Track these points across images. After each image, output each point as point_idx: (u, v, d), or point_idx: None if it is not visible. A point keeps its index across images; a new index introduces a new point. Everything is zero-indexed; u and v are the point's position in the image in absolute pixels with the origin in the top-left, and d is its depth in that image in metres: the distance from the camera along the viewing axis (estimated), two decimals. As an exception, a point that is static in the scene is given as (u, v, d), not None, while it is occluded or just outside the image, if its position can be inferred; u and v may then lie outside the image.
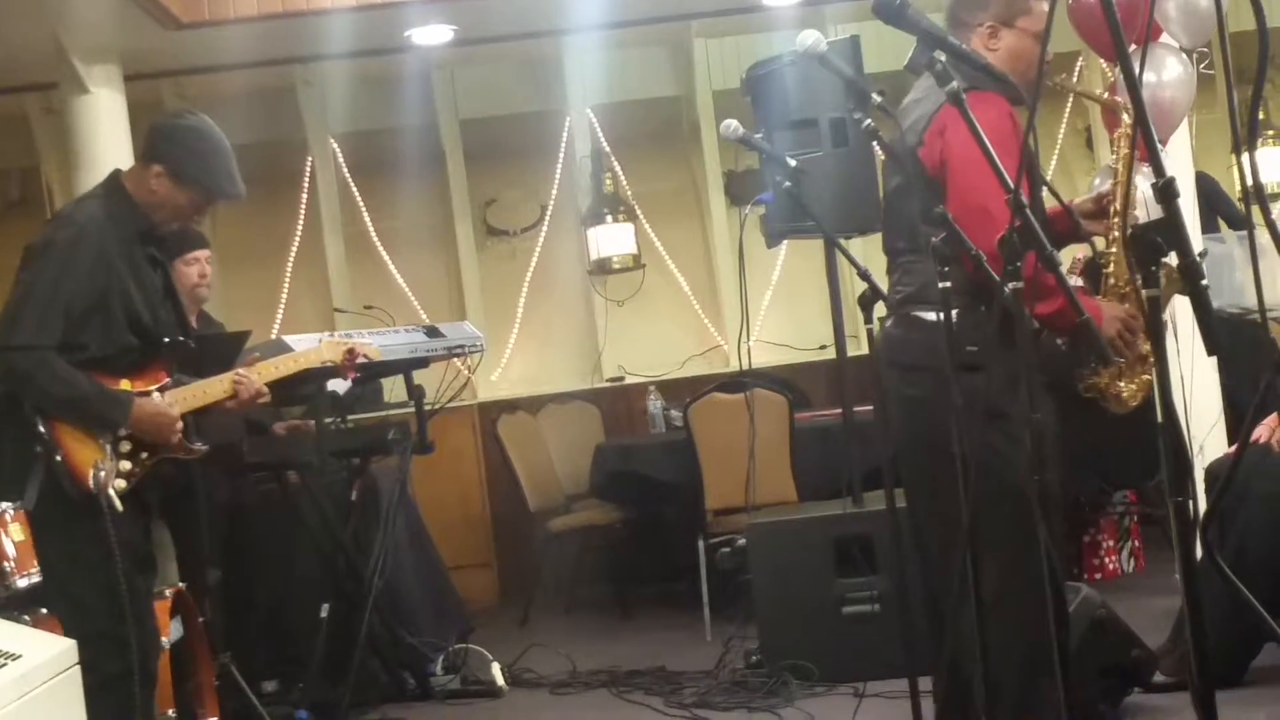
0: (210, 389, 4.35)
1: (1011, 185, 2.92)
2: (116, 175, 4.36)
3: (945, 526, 3.93)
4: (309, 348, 4.77)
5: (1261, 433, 4.91)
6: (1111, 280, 4.01)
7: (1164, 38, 6.19)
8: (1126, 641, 4.84)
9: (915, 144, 3.87)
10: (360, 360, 4.84)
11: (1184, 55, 6.25)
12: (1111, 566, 7.34)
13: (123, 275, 4.20)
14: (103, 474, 4.03)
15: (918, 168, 3.83)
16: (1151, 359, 3.92)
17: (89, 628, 4.01)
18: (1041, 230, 3.00)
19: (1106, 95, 4.15)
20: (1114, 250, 4.00)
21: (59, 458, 4.04)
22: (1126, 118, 4.16)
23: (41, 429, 4.04)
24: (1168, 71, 6.18)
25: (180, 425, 4.24)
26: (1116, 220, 3.99)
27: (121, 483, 4.10)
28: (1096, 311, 3.76)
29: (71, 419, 4.08)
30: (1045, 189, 3.94)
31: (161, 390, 4.24)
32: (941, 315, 3.63)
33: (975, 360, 3.67)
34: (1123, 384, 3.98)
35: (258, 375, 4.44)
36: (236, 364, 4.50)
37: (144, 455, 4.18)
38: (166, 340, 4.29)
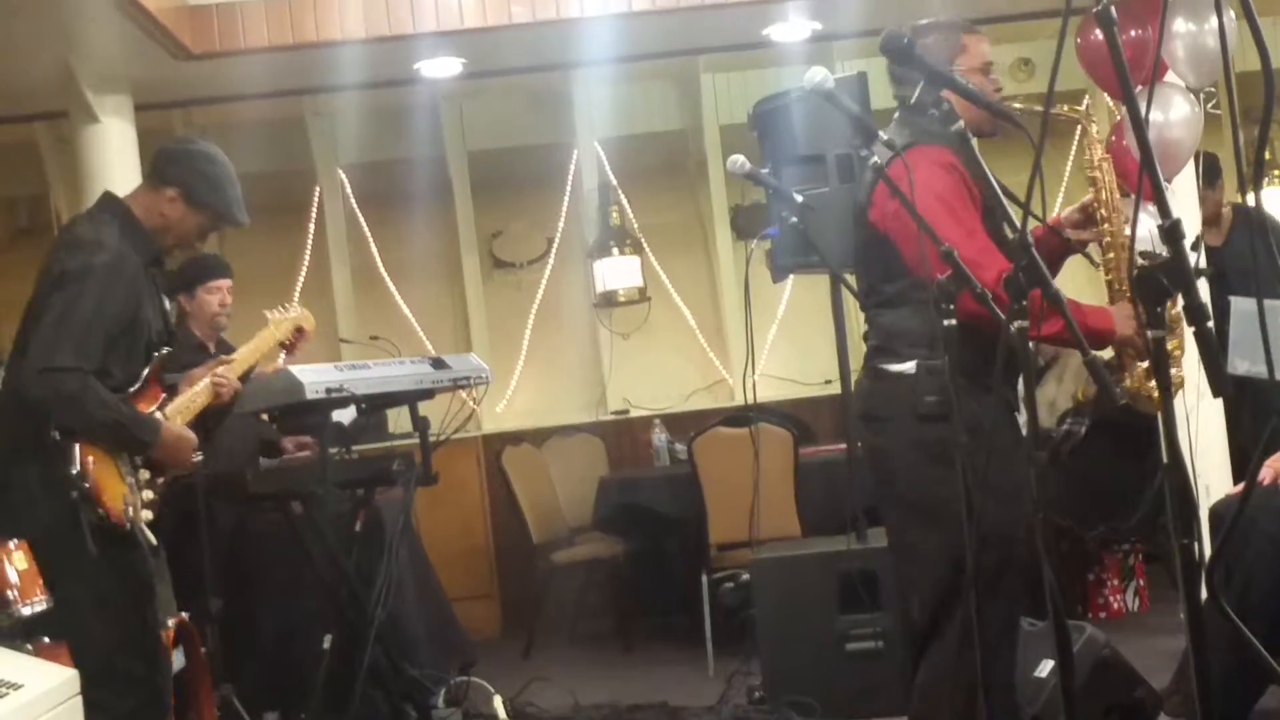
0: (197, 399, 4.36)
1: (1018, 220, 2.93)
2: (119, 200, 4.33)
3: (907, 571, 3.99)
4: (261, 333, 4.83)
5: (1266, 474, 4.90)
6: (1115, 286, 3.99)
7: (1172, 77, 6.21)
8: (1131, 681, 4.83)
9: (864, 203, 3.94)
10: (306, 337, 4.98)
11: (1191, 95, 6.27)
12: (1116, 605, 7.33)
13: (144, 302, 4.21)
14: (132, 509, 4.03)
15: (878, 225, 3.89)
16: (1176, 351, 3.93)
17: (101, 664, 3.97)
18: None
19: (1067, 108, 4.07)
20: (1110, 255, 3.99)
21: (90, 492, 3.99)
22: (1095, 129, 4.12)
23: (73, 463, 3.99)
24: (1175, 111, 6.20)
25: (196, 444, 4.28)
26: (1107, 226, 3.98)
27: (148, 513, 4.10)
28: (1108, 317, 3.79)
29: (108, 443, 4.05)
30: (1018, 211, 3.91)
31: (161, 408, 4.24)
32: (904, 367, 3.81)
33: (935, 410, 3.72)
34: (1152, 383, 3.94)
35: (230, 372, 4.48)
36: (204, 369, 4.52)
37: (159, 480, 4.19)
38: (156, 355, 4.28)
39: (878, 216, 3.88)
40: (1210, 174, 6.96)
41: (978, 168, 3.64)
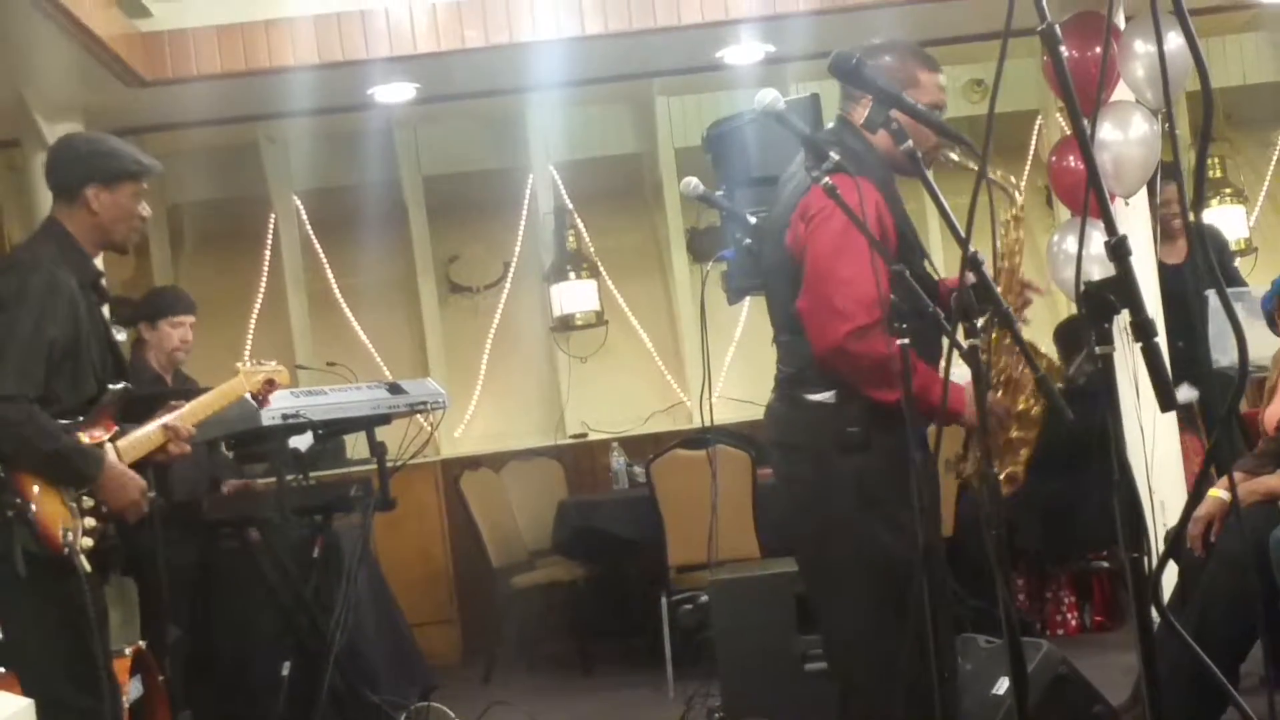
0: (150, 439, 4.25)
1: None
2: (59, 222, 4.24)
3: (823, 603, 3.99)
4: (230, 382, 4.65)
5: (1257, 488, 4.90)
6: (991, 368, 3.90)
7: (1127, 93, 6.28)
8: (1089, 698, 4.85)
9: (782, 225, 3.87)
10: (276, 390, 4.80)
11: (1150, 114, 6.32)
12: (1074, 622, 7.35)
13: (85, 322, 4.13)
14: (71, 535, 3.95)
15: (784, 252, 3.86)
16: (1021, 449, 3.92)
17: (45, 695, 3.88)
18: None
19: (1000, 174, 4.02)
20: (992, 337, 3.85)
21: (31, 518, 3.92)
22: (1019, 197, 4.10)
23: (13, 489, 3.93)
24: (1133, 129, 6.25)
25: (144, 489, 4.17)
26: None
27: (89, 541, 3.99)
28: (959, 397, 3.68)
29: (48, 474, 3.96)
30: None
31: (113, 440, 4.15)
32: (823, 396, 3.83)
33: (856, 440, 3.70)
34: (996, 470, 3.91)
35: (185, 419, 4.33)
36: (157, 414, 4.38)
37: (104, 509, 4.07)
38: (112, 387, 4.20)
39: (792, 240, 3.80)
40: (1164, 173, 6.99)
41: (898, 204, 3.65)
